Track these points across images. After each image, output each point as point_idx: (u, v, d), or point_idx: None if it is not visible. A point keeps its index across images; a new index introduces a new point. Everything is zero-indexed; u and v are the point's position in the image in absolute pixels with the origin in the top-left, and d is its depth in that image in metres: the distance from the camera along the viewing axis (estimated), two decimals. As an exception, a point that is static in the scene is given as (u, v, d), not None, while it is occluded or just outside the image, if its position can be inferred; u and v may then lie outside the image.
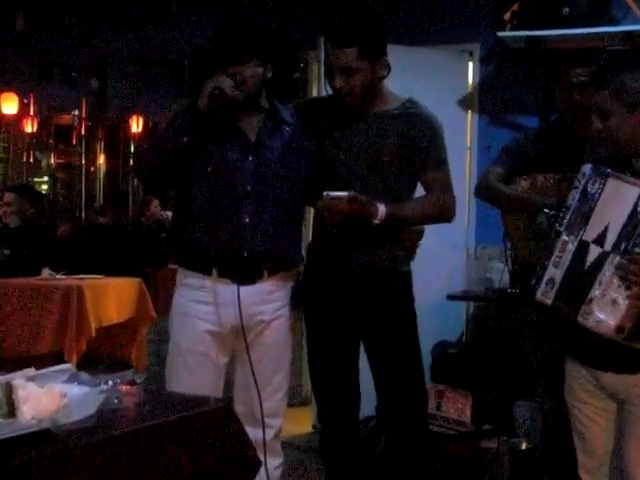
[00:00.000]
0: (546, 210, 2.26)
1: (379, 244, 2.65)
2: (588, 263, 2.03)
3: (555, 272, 2.09)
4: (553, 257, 2.10)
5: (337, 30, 2.62)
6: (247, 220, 2.53)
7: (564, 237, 2.09)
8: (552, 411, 2.95)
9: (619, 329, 1.98)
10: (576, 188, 2.10)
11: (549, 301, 2.10)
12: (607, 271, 1.99)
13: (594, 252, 2.02)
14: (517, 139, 3.30)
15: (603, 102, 2.11)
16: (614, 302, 1.98)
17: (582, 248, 2.05)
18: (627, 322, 1.97)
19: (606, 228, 2.00)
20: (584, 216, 2.06)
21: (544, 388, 3.10)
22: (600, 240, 2.01)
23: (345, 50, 2.55)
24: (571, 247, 2.07)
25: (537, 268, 2.15)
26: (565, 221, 2.10)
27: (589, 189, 2.07)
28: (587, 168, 2.10)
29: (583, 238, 2.05)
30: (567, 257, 2.08)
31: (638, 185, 1.96)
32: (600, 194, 2.04)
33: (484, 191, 3.27)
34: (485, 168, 3.26)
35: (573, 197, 2.10)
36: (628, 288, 1.97)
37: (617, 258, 1.97)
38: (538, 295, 2.13)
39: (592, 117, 2.15)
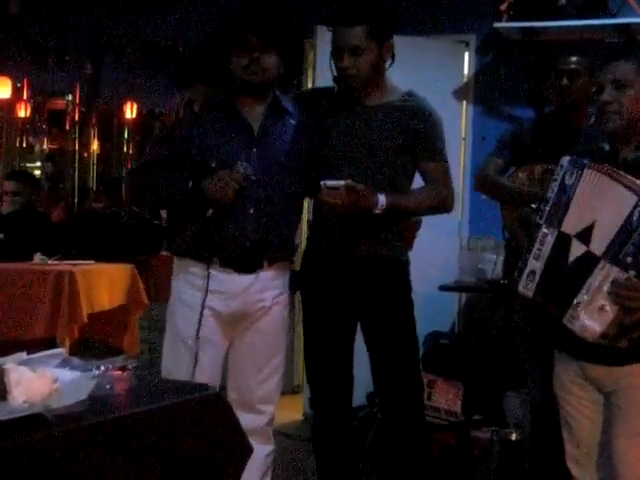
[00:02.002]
0: (532, 205, 2.26)
1: (378, 234, 2.66)
2: (572, 258, 2.02)
3: (536, 265, 2.09)
4: (534, 249, 2.10)
5: (346, 8, 2.62)
6: (251, 210, 2.53)
7: (544, 229, 2.09)
8: (541, 402, 2.97)
9: (604, 335, 1.98)
10: (555, 180, 2.10)
11: (530, 294, 2.11)
12: (597, 277, 1.97)
13: (578, 248, 2.01)
14: (512, 130, 3.30)
15: (625, 72, 2.10)
16: (601, 309, 1.97)
17: (562, 241, 2.05)
18: (612, 329, 1.97)
19: (592, 226, 1.99)
20: (563, 208, 2.06)
21: (534, 379, 3.11)
22: (584, 237, 2.00)
23: (354, 29, 2.56)
24: (550, 239, 2.07)
25: (519, 261, 2.16)
26: (545, 213, 2.10)
27: (567, 181, 2.07)
28: (565, 160, 2.10)
29: (562, 229, 2.05)
30: (547, 249, 2.08)
31: (634, 191, 1.94)
32: (577, 185, 2.04)
33: (482, 184, 3.27)
34: (483, 161, 3.26)
35: (552, 189, 2.10)
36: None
37: (607, 266, 1.95)
38: (520, 288, 2.13)
39: (603, 90, 2.13)
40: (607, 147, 2.21)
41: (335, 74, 2.66)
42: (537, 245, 2.10)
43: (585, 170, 2.04)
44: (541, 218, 2.11)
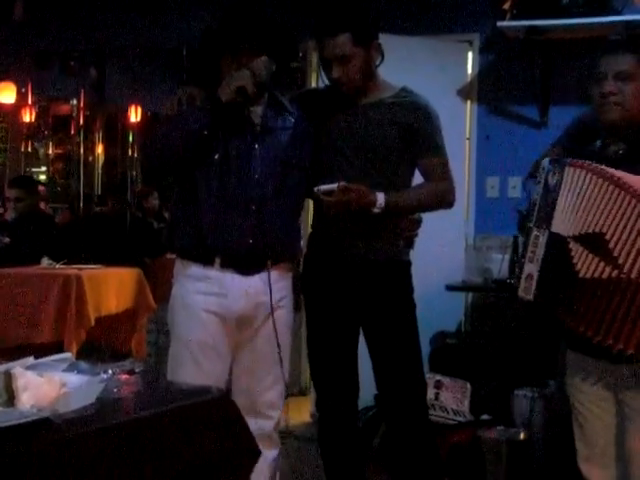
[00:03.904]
0: (520, 210, 2.25)
1: (378, 234, 2.65)
2: (577, 261, 1.98)
3: (532, 267, 2.09)
4: (527, 253, 2.10)
5: (327, 19, 2.61)
6: (254, 207, 2.51)
7: (535, 232, 2.09)
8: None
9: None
10: (539, 183, 2.10)
11: (530, 297, 2.10)
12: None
13: (579, 252, 1.97)
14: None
15: (626, 65, 2.12)
16: None
17: (556, 241, 2.03)
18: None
19: (600, 235, 1.94)
20: (549, 208, 2.06)
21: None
22: (590, 242, 1.96)
23: (338, 38, 2.55)
24: (542, 240, 2.07)
25: (515, 266, 2.15)
26: (534, 217, 2.10)
27: (549, 182, 2.07)
28: (545, 162, 2.10)
29: (552, 230, 2.04)
30: (541, 251, 2.07)
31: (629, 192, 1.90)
32: (560, 184, 2.04)
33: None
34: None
35: (537, 192, 2.10)
36: None
37: None
38: (520, 292, 2.13)
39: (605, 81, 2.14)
40: (598, 143, 2.21)
41: (327, 83, 2.67)
42: (530, 248, 2.09)
43: (566, 168, 2.03)
44: (530, 221, 2.11)
